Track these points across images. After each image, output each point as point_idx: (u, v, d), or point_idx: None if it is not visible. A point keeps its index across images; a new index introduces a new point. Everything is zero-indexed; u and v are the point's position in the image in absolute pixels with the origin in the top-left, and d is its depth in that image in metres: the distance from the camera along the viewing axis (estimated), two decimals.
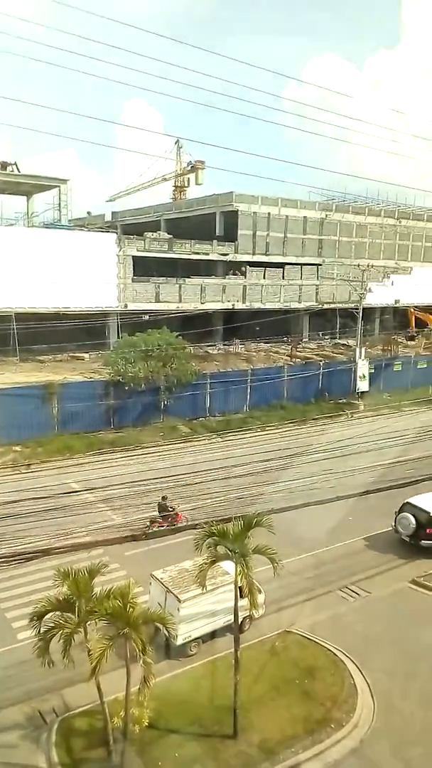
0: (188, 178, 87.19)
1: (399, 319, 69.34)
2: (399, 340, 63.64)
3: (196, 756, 12.89)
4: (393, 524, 23.39)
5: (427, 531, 22.12)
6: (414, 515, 22.52)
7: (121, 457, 32.23)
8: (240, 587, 13.52)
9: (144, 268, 52.75)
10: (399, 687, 15.34)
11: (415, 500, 23.27)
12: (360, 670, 15.74)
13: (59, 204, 59.01)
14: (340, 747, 13.39)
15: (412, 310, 66.80)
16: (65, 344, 48.58)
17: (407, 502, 23.31)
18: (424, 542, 22.14)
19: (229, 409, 39.99)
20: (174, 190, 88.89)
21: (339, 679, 15.42)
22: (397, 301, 65.80)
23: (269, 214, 59.16)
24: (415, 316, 66.75)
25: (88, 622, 12.20)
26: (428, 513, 22.31)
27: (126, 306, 50.34)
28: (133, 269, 51.29)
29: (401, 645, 17.01)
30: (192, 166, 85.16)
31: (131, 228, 65.74)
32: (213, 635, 16.62)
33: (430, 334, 66.58)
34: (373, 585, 20.13)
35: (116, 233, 54.86)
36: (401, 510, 23.17)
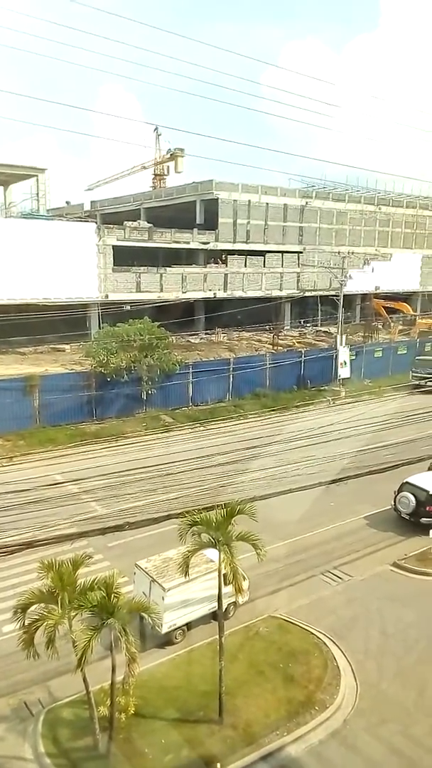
0: (168, 166, 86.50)
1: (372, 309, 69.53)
2: (379, 327, 64.00)
3: (182, 741, 13.06)
4: (392, 503, 23.94)
5: (427, 509, 22.68)
6: (414, 494, 23.04)
7: (104, 448, 32.17)
8: (224, 574, 13.65)
9: (124, 257, 52.42)
10: (381, 667, 15.65)
11: (414, 479, 23.77)
12: (343, 652, 16.01)
13: (37, 193, 58.28)
14: (324, 728, 13.64)
15: (378, 302, 65.88)
16: (46, 336, 48.22)
17: (406, 482, 23.78)
18: (424, 520, 22.71)
19: (212, 398, 40.06)
20: (153, 179, 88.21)
21: (322, 661, 15.67)
22: (377, 288, 66.12)
23: (249, 201, 59.02)
24: (385, 306, 66.02)
25: (73, 614, 12.25)
26: (427, 492, 22.88)
27: (107, 296, 50.05)
28: (113, 259, 50.93)
29: (382, 626, 17.33)
30: (171, 154, 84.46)
31: (111, 217, 65.24)
32: (198, 622, 16.77)
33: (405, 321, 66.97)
34: (355, 569, 20.42)
35: (95, 223, 54.43)
36: (401, 489, 23.66)
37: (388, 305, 66.00)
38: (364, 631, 17.11)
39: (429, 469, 24.54)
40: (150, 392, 37.03)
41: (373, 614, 17.97)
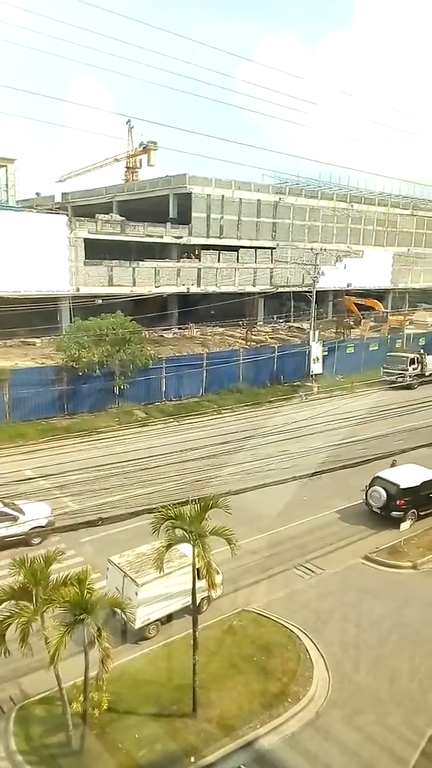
0: (140, 159, 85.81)
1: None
2: (351, 323, 64.63)
3: (157, 735, 13.03)
4: (364, 497, 24.20)
5: (397, 503, 22.96)
6: (384, 488, 23.32)
7: (76, 443, 31.84)
8: (198, 569, 13.63)
9: (96, 251, 51.85)
10: (352, 658, 15.85)
11: (385, 474, 24.08)
12: (315, 645, 16.17)
13: (6, 184, 57.18)
14: (297, 720, 13.76)
15: (349, 297, 66.39)
16: (16, 329, 47.40)
17: (378, 476, 24.08)
18: (394, 513, 23.02)
19: (185, 393, 39.98)
20: (126, 172, 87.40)
21: (295, 654, 15.80)
22: (349, 285, 66.71)
23: (223, 196, 58.94)
24: (356, 303, 66.68)
25: (45, 610, 12.11)
26: (398, 486, 23.18)
27: (78, 290, 49.46)
28: (85, 252, 50.33)
29: (355, 619, 17.54)
30: (144, 147, 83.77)
31: (82, 210, 64.45)
32: (171, 617, 16.74)
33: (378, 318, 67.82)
34: (328, 562, 20.61)
35: (67, 215, 53.68)
36: (372, 484, 23.91)
37: (359, 302, 66.66)
38: (336, 624, 17.30)
39: (391, 466, 24.84)
40: (123, 387, 36.76)
41: (345, 607, 18.18)
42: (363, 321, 65.43)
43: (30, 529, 20.96)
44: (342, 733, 13.39)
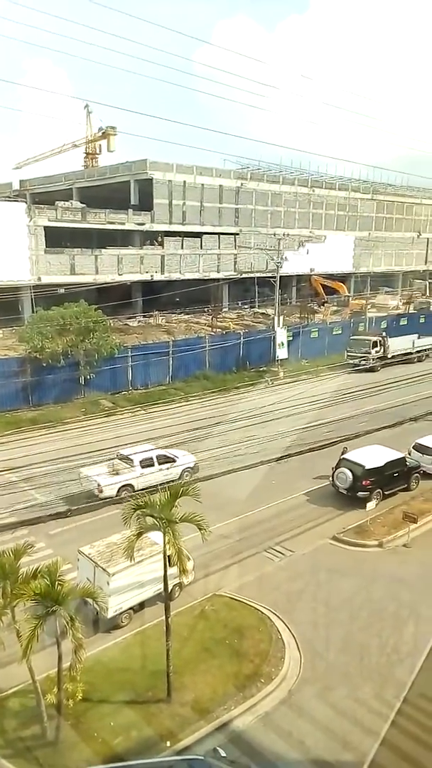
0: (100, 145, 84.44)
1: (313, 288, 70.94)
2: (315, 307, 65.30)
3: (132, 722, 13.13)
4: (331, 479, 24.54)
5: (363, 483, 23.42)
6: (350, 469, 23.72)
7: (43, 435, 31.47)
8: (169, 556, 13.70)
9: (57, 239, 50.96)
10: (323, 637, 16.20)
11: (351, 455, 24.48)
12: (286, 625, 16.46)
13: None
14: (271, 699, 14.03)
15: (317, 278, 67.84)
16: None
17: (343, 458, 24.44)
18: (360, 494, 23.42)
19: (152, 381, 39.82)
20: (85, 158, 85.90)
21: (267, 635, 16.06)
22: (312, 270, 67.23)
23: (185, 182, 58.46)
24: (323, 285, 67.96)
25: (16, 604, 12.02)
26: (363, 467, 23.60)
27: (39, 279, 48.56)
28: (46, 240, 49.39)
29: (324, 598, 17.91)
30: (103, 133, 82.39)
31: (41, 197, 63.17)
32: (144, 605, 16.81)
33: (341, 302, 68.66)
34: (297, 544, 20.94)
35: (25, 202, 52.50)
36: (338, 465, 24.27)
37: (326, 284, 67.47)
38: (307, 604, 17.63)
39: (342, 454, 25.18)
40: (88, 377, 36.39)
41: (315, 587, 18.53)
42: (326, 304, 66.26)
43: (182, 470, 25.37)
44: (314, 709, 13.71)
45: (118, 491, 23.49)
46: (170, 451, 26.17)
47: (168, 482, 22.08)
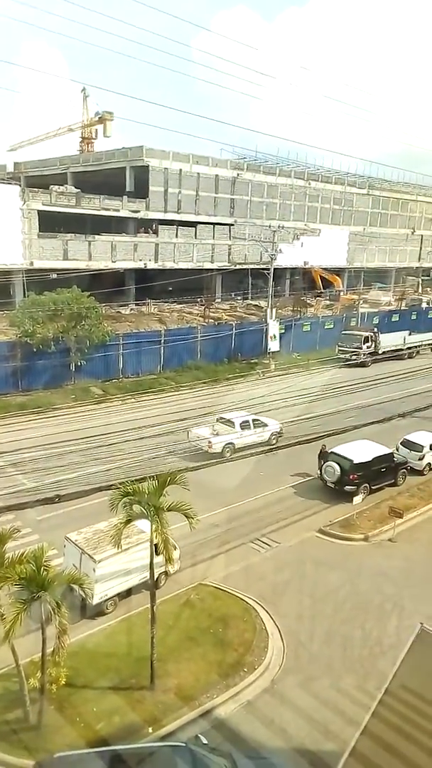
0: (96, 130, 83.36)
1: (308, 280, 71.01)
2: (308, 301, 65.38)
3: (115, 708, 13.18)
4: (319, 472, 24.59)
5: (350, 477, 23.54)
6: (338, 463, 23.82)
7: (32, 420, 31.33)
8: (156, 544, 13.71)
9: (50, 223, 50.41)
10: (306, 628, 16.33)
11: (339, 449, 24.59)
12: (271, 616, 16.57)
13: None
14: (254, 688, 14.15)
15: (317, 270, 68.33)
16: None
17: (331, 452, 24.55)
18: (347, 487, 23.57)
19: (143, 369, 39.73)
20: (81, 142, 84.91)
21: (251, 625, 16.16)
22: (306, 263, 67.21)
23: (181, 170, 58.03)
24: (321, 276, 68.50)
25: (0, 587, 11.99)
26: (351, 461, 23.71)
27: (32, 263, 48.07)
28: (39, 225, 48.88)
29: (309, 590, 18.05)
30: (100, 117, 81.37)
31: (35, 180, 62.46)
32: (129, 592, 16.84)
33: (335, 295, 68.81)
34: (283, 535, 21.04)
35: (19, 185, 51.90)
36: (326, 459, 24.41)
37: (324, 276, 67.78)
38: (292, 595, 17.75)
39: (321, 451, 25.24)
40: (79, 363, 36.23)
41: (300, 579, 18.66)
42: (321, 296, 66.57)
43: (271, 435, 28.79)
44: (297, 698, 13.84)
45: (222, 448, 26.96)
46: (262, 418, 29.39)
47: (260, 443, 27.96)
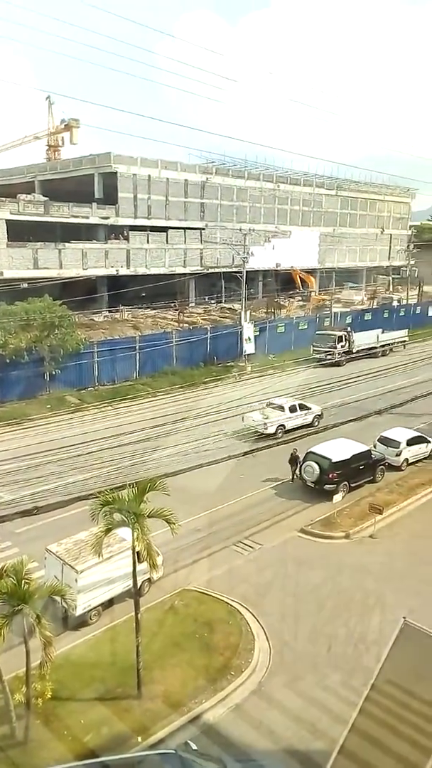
0: (62, 137, 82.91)
1: (282, 281, 71.50)
2: (281, 302, 65.82)
3: (102, 718, 13.04)
4: (298, 473, 24.74)
5: (329, 476, 23.68)
6: (317, 463, 23.94)
7: (6, 433, 30.92)
8: (138, 551, 13.64)
9: (19, 233, 49.92)
10: (291, 628, 16.38)
11: (318, 449, 24.73)
12: (256, 618, 16.58)
13: None
14: (241, 690, 14.14)
15: (296, 270, 68.86)
16: None
17: (310, 451, 24.67)
18: (327, 486, 23.71)
19: (119, 377, 39.54)
20: (48, 150, 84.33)
21: (236, 628, 16.16)
22: (278, 265, 67.67)
23: (149, 176, 58.01)
24: (299, 277, 69.09)
25: None
26: (330, 460, 23.85)
27: (1, 273, 47.56)
28: (7, 234, 48.37)
29: (292, 589, 18.12)
30: (66, 125, 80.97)
31: (2, 190, 61.72)
32: (113, 602, 16.70)
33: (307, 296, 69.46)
34: (265, 537, 21.09)
35: None
36: (305, 459, 24.46)
37: (302, 276, 68.47)
38: (275, 596, 17.79)
39: (291, 455, 25.34)
40: (54, 373, 35.89)
41: (283, 579, 18.71)
42: (289, 300, 67.20)
43: (314, 417, 32.15)
44: (284, 699, 13.87)
45: (276, 429, 30.35)
46: (305, 402, 32.88)
47: (304, 425, 31.53)
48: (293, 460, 25.18)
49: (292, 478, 25.14)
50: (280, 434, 30.43)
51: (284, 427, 30.78)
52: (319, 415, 32.57)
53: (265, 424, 30.25)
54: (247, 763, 11.75)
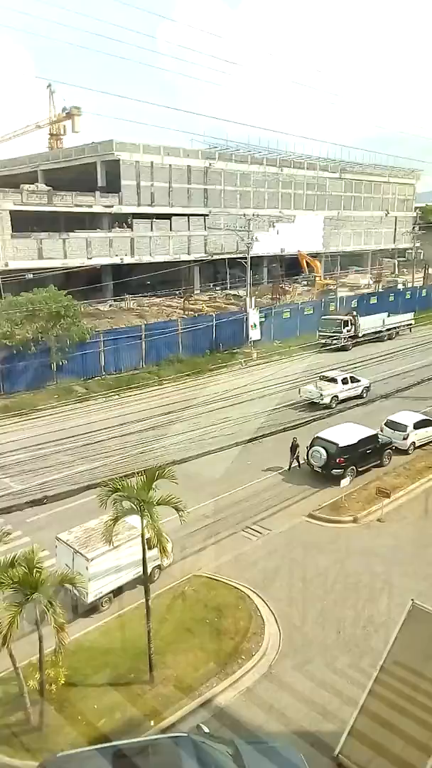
0: (64, 126, 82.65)
1: (287, 266, 71.11)
2: (287, 288, 65.50)
3: (116, 704, 13.25)
4: (305, 458, 24.79)
5: (337, 461, 23.72)
6: (324, 448, 23.97)
7: (15, 423, 31.10)
8: (148, 538, 13.75)
9: (23, 223, 49.93)
10: (300, 612, 16.53)
11: (325, 434, 24.74)
12: (265, 602, 16.72)
13: None
14: (252, 674, 14.30)
15: (303, 253, 68.31)
16: None
17: (317, 437, 24.69)
18: (334, 471, 23.76)
19: (125, 365, 39.59)
20: (50, 139, 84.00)
21: (246, 613, 16.30)
22: (283, 251, 67.29)
23: (152, 163, 57.70)
24: (306, 260, 68.55)
25: None
26: (337, 444, 23.89)
27: (6, 265, 47.62)
28: (12, 225, 48.35)
29: (301, 574, 18.23)
30: (67, 113, 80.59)
31: (5, 180, 61.69)
32: (123, 588, 16.88)
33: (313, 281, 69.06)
34: (273, 522, 21.20)
35: None
36: (312, 444, 24.49)
37: (308, 260, 68.00)
38: (284, 580, 17.92)
39: (292, 443, 25.31)
40: (61, 363, 35.99)
41: (292, 564, 18.83)
42: (293, 285, 66.84)
43: (363, 389, 34.61)
44: (294, 682, 14.03)
45: (330, 399, 32.84)
46: (355, 375, 35.40)
47: (355, 397, 34.07)
48: (293, 449, 25.14)
49: (290, 466, 25.15)
50: (334, 404, 32.93)
51: (338, 398, 33.31)
52: (367, 387, 34.95)
53: (321, 395, 32.85)
54: (259, 745, 11.91)
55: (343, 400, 33.59)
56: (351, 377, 34.62)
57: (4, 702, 13.21)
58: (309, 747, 12.10)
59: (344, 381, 34.06)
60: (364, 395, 34.69)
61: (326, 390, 33.24)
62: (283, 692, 13.75)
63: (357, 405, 33.46)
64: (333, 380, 34.14)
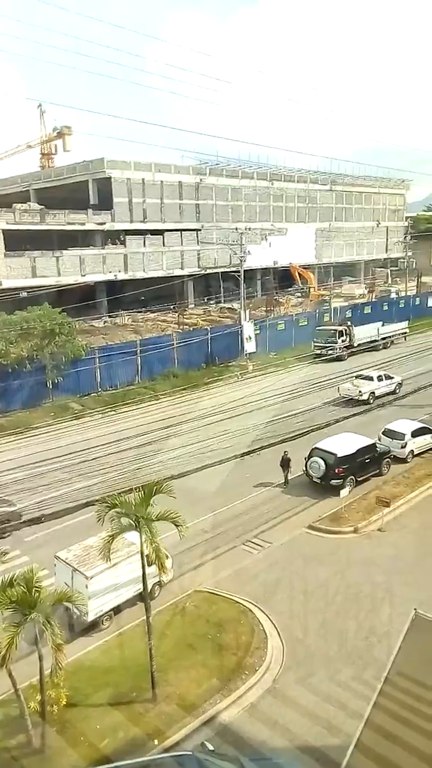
0: (55, 145, 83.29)
1: (280, 278, 71.38)
2: (280, 300, 65.73)
3: (118, 723, 13.07)
4: (304, 469, 24.67)
5: (336, 471, 23.62)
6: (323, 458, 23.90)
7: (11, 441, 30.99)
8: (147, 555, 13.66)
9: (16, 242, 50.08)
10: (304, 625, 16.38)
11: (323, 444, 24.68)
12: (267, 616, 16.59)
13: None
14: (255, 690, 14.14)
15: (294, 265, 68.60)
16: None
17: (315, 447, 24.61)
18: (333, 482, 23.63)
19: (121, 381, 39.55)
20: (41, 158, 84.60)
21: (248, 627, 16.17)
22: (275, 263, 67.59)
23: (143, 180, 58.09)
24: (298, 273, 68.85)
25: None
26: (335, 455, 23.81)
27: (0, 283, 47.69)
28: (4, 244, 48.52)
29: (302, 586, 18.08)
30: (58, 132, 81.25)
31: None
32: (124, 606, 16.73)
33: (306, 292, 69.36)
34: (273, 535, 21.09)
35: None
36: (310, 455, 24.40)
37: (301, 272, 68.32)
38: (285, 593, 17.78)
39: (282, 458, 25.10)
40: (56, 380, 35.96)
41: (293, 576, 18.69)
42: (287, 297, 67.13)
43: (396, 385, 37.07)
44: (298, 696, 13.88)
45: (368, 396, 35.18)
46: (389, 373, 37.90)
47: (389, 393, 36.65)
48: (285, 464, 24.90)
49: (285, 480, 24.91)
50: (371, 400, 35.21)
51: (374, 394, 35.57)
52: (399, 383, 37.31)
53: (360, 391, 35.19)
54: (264, 762, 11.75)
55: (379, 396, 35.72)
56: (386, 375, 37.10)
57: (4, 724, 13.02)
58: (314, 762, 11.94)
59: (379, 378, 36.67)
60: (397, 391, 36.90)
61: (364, 387, 35.46)
62: (287, 707, 13.60)
63: (390, 402, 35.69)
64: (369, 378, 36.51)
